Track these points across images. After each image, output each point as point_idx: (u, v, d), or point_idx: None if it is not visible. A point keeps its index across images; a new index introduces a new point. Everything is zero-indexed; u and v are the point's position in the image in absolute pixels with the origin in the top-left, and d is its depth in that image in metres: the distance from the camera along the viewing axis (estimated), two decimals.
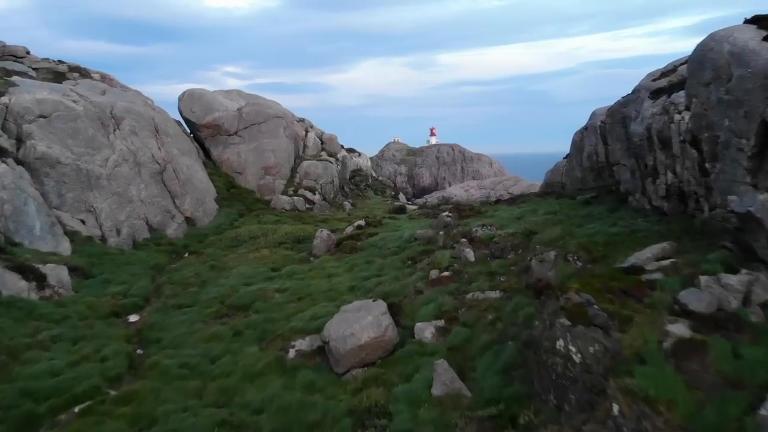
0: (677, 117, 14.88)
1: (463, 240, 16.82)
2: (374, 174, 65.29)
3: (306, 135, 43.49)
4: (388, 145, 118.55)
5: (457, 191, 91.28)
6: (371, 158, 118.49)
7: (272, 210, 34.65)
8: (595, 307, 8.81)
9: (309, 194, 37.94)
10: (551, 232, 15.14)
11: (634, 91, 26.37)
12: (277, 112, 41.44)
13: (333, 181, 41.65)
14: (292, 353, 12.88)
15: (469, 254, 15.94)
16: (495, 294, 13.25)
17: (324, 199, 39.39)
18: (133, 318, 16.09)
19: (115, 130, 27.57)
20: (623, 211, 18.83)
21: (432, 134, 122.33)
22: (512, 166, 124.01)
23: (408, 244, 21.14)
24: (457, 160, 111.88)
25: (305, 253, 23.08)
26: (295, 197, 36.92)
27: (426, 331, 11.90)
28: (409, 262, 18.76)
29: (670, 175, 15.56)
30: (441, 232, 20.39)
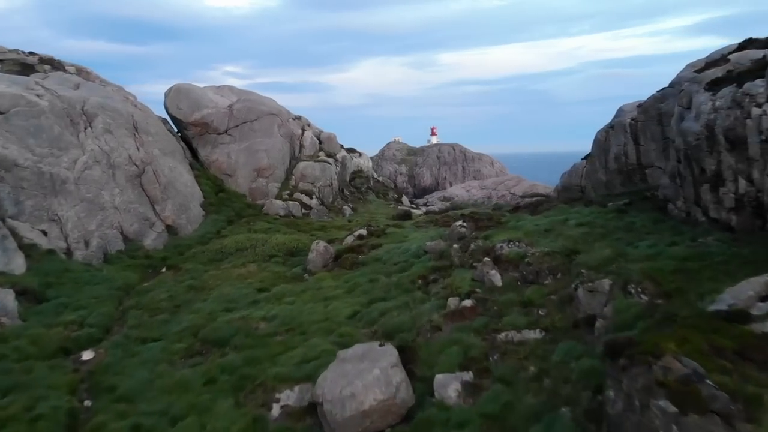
0: (755, 111, 12.22)
1: (486, 259, 14.15)
2: (375, 175, 62.67)
3: (302, 134, 40.84)
4: (388, 144, 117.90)
5: (458, 191, 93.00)
6: (371, 158, 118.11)
7: (265, 216, 31.98)
8: (709, 382, 6.15)
9: (305, 198, 35.28)
10: (598, 253, 12.48)
11: (672, 85, 23.64)
12: (271, 109, 38.78)
13: (332, 184, 39.01)
14: (275, 410, 10.24)
15: (495, 277, 13.29)
16: (534, 334, 10.60)
17: (322, 203, 36.75)
18: (86, 355, 13.42)
19: (86, 128, 24.91)
20: (669, 223, 16.21)
21: (433, 134, 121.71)
22: (513, 165, 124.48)
23: (416, 259, 18.55)
24: (458, 160, 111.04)
25: (299, 268, 20.43)
26: (290, 202, 34.25)
27: (449, 387, 9.24)
28: (420, 282, 16.18)
29: (742, 182, 12.89)
30: (455, 246, 17.75)
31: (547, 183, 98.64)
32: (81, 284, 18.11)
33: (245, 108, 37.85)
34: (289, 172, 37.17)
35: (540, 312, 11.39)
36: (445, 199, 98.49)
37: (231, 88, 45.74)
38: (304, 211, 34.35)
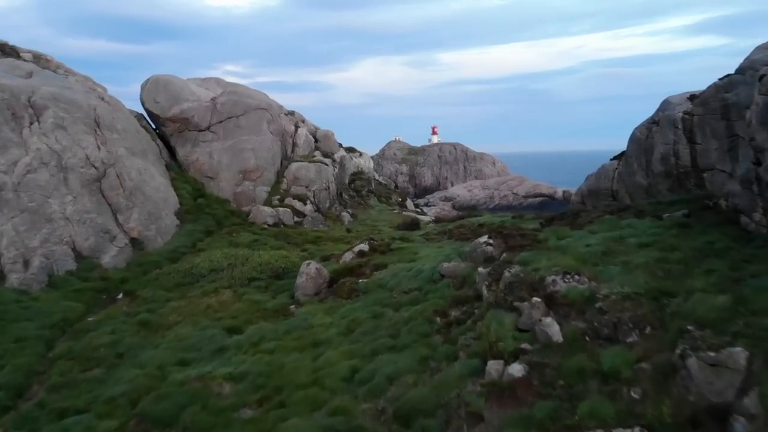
0: None
1: (536, 299, 10.50)
2: (377, 176, 59.06)
3: (296, 131, 37.18)
4: (389, 143, 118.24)
5: (460, 191, 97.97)
6: (372, 158, 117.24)
7: (250, 226, 28.36)
8: None
9: (298, 204, 31.64)
10: (706, 299, 8.83)
11: (740, 71, 19.95)
12: (259, 102, 35.15)
13: (328, 188, 35.38)
14: None
15: (552, 329, 9.63)
16: None
17: (317, 209, 33.12)
18: None
19: (32, 123, 21.32)
20: (759, 246, 12.54)
21: (434, 133, 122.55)
22: (514, 165, 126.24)
23: (432, 286, 15.06)
24: (459, 160, 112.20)
25: (285, 295, 16.83)
26: (281, 208, 30.61)
27: None
28: (439, 321, 12.73)
29: None
30: (481, 270, 14.14)
31: (550, 183, 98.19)
32: (5, 321, 14.49)
33: (230, 101, 34.23)
34: (279, 175, 33.54)
35: (632, 393, 7.74)
36: (446, 199, 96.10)
37: (217, 81, 42.20)
38: (296, 219, 30.72)
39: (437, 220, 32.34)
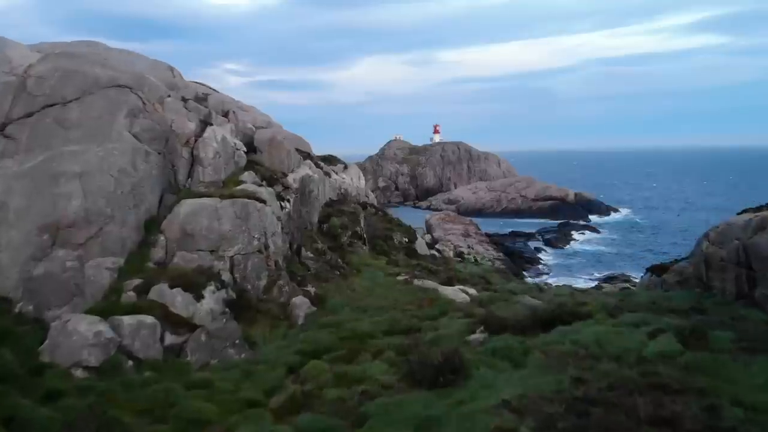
0: None
1: None
2: (372, 198, 42.57)
3: (201, 133, 20.52)
4: (389, 143, 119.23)
5: (464, 193, 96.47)
6: (371, 157, 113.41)
7: (35, 377, 11.86)
8: None
9: (180, 300, 14.99)
10: None
11: None
12: (118, 76, 18.56)
13: (266, 247, 18.78)
14: None
15: None
16: None
17: (235, 301, 16.57)
18: None
19: None
20: None
21: (436, 131, 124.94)
22: (515, 164, 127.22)
23: None
24: (463, 160, 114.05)
25: None
26: (131, 318, 14.05)
27: None
28: None
29: None
30: None
31: (550, 182, 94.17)
32: None
33: (57, 74, 17.73)
34: (151, 229, 16.99)
35: None
36: (450, 202, 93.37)
37: (92, 44, 25.61)
38: (170, 340, 14.11)
39: (491, 328, 15.79)
